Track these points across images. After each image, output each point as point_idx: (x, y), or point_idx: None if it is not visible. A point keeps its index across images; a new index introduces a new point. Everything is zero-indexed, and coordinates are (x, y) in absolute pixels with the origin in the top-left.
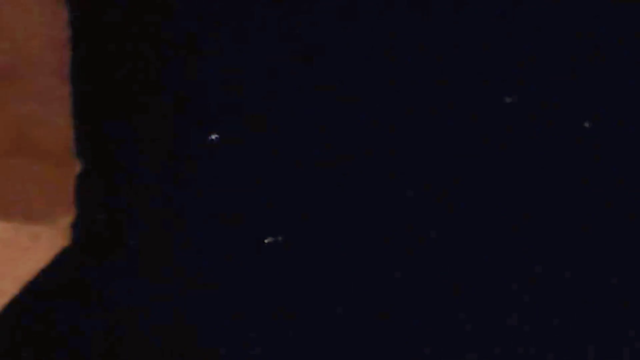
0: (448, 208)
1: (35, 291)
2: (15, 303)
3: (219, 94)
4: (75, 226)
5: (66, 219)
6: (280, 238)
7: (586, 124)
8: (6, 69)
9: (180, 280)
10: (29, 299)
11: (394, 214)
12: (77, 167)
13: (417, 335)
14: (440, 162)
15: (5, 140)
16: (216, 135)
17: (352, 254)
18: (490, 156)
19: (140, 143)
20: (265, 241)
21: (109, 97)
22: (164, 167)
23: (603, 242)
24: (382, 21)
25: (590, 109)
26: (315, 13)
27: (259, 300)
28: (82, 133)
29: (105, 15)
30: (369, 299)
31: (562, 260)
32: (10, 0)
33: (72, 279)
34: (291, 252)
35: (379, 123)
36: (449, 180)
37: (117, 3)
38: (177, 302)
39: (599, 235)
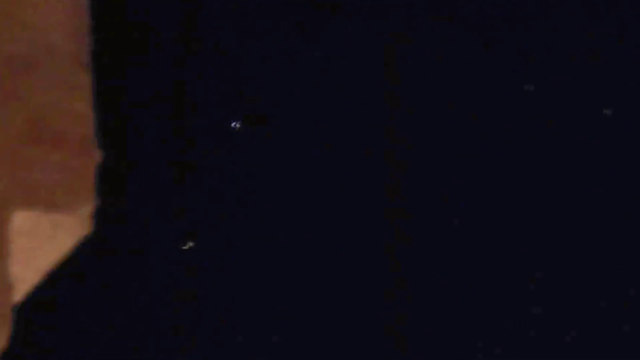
0: (468, 193)
1: (57, 279)
2: (37, 291)
3: (242, 81)
4: (96, 215)
5: (87, 208)
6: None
7: (606, 112)
8: (27, 58)
9: (201, 267)
10: (50, 287)
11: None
12: (98, 156)
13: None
14: (459, 149)
15: (26, 129)
16: (238, 123)
17: (360, 254)
18: (509, 146)
19: (161, 131)
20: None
21: (129, 85)
22: (184, 155)
23: (627, 229)
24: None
25: (610, 97)
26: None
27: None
28: (103, 122)
29: (125, 4)
30: (370, 298)
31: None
32: None
33: (92, 267)
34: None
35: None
36: (471, 168)
37: None
38: (198, 289)
39: (621, 223)
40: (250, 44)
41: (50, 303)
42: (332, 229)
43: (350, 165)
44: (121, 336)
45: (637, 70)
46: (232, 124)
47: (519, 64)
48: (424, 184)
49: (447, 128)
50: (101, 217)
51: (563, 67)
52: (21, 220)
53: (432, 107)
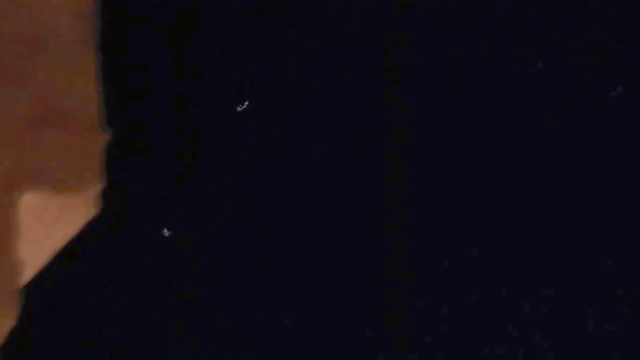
0: (470, 192)
1: (65, 260)
2: (45, 271)
3: (249, 63)
4: (104, 196)
5: (95, 189)
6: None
7: (613, 93)
8: (33, 40)
9: (212, 251)
10: (58, 267)
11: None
12: (105, 137)
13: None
14: (460, 147)
15: (33, 111)
16: (245, 105)
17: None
18: (510, 146)
19: (167, 112)
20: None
21: (136, 67)
22: (191, 136)
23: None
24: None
25: (618, 76)
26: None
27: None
28: (110, 103)
29: None
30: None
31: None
32: None
33: (101, 248)
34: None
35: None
36: (482, 149)
37: None
38: (207, 272)
39: (630, 210)
40: (252, 37)
41: (59, 284)
42: (333, 230)
43: (350, 164)
44: (130, 315)
45: None
46: (239, 106)
47: (520, 63)
48: (424, 182)
49: (447, 128)
50: (109, 197)
51: (573, 43)
52: (29, 201)
53: (432, 107)
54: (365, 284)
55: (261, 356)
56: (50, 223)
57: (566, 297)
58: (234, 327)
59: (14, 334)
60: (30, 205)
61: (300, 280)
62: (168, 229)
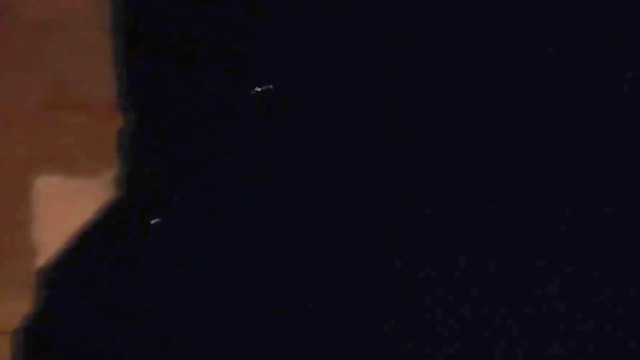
0: (471, 191)
1: (79, 243)
2: (60, 256)
3: (266, 45)
4: (119, 180)
5: (109, 173)
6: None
7: (629, 74)
8: (47, 22)
9: (226, 234)
10: (73, 252)
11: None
12: (120, 121)
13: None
14: (461, 146)
15: (47, 93)
16: (260, 88)
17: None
18: (511, 146)
19: (183, 95)
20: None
21: (151, 49)
22: (207, 120)
23: None
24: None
25: (634, 59)
26: None
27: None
28: (125, 87)
29: None
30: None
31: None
32: None
33: (115, 233)
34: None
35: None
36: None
37: None
38: (223, 255)
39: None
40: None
41: (73, 268)
42: (332, 229)
43: (349, 164)
44: (145, 299)
45: None
46: (253, 90)
47: (523, 64)
48: (424, 182)
49: (447, 127)
50: (123, 181)
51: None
52: (43, 185)
53: (432, 107)
54: (365, 284)
55: (261, 356)
56: (64, 207)
57: (568, 297)
58: (234, 327)
59: (28, 318)
60: (44, 189)
61: (300, 279)
62: (178, 216)
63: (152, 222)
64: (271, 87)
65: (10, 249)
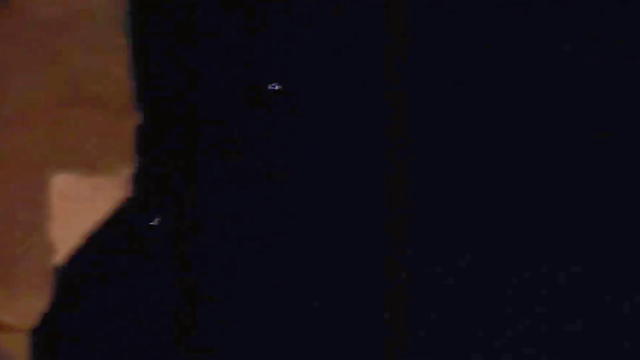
0: (472, 191)
1: (96, 242)
2: (77, 253)
3: (282, 43)
4: (135, 177)
5: (126, 170)
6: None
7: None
8: (63, 20)
9: (245, 230)
10: (89, 250)
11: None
12: (136, 119)
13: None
14: (462, 145)
15: (63, 91)
16: (277, 85)
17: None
18: (512, 145)
19: (200, 92)
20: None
21: (166, 47)
22: (223, 116)
23: None
24: None
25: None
26: None
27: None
28: (141, 84)
29: None
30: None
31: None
32: None
33: (132, 229)
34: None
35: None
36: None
37: None
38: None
39: None
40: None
41: (91, 265)
42: (332, 229)
43: (349, 164)
44: (163, 295)
45: None
46: (270, 86)
47: (521, 64)
48: (424, 182)
49: (447, 127)
50: (140, 179)
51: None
52: (60, 183)
53: (432, 107)
54: (365, 284)
55: (262, 356)
56: (81, 204)
57: (567, 298)
58: (233, 326)
59: (47, 314)
60: (61, 186)
61: (300, 279)
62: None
63: (152, 222)
64: (280, 86)
65: (27, 246)
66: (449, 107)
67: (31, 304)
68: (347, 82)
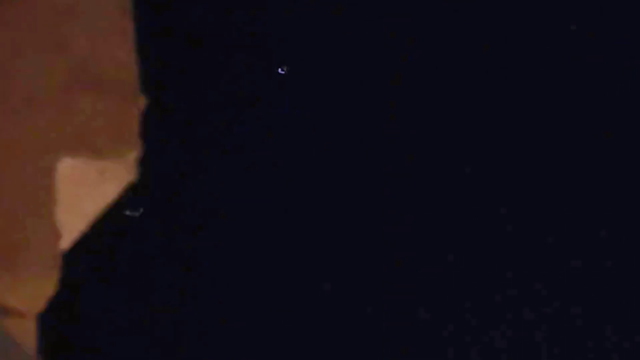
0: (473, 190)
1: (103, 226)
2: (83, 238)
3: (288, 28)
4: (142, 161)
5: (132, 154)
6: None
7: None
8: (68, 4)
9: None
10: (96, 235)
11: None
12: (142, 103)
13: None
14: (462, 145)
15: (70, 76)
16: (284, 69)
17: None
18: (512, 145)
19: (205, 77)
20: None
21: (172, 31)
22: (230, 101)
23: None
24: None
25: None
26: None
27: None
28: (146, 68)
29: None
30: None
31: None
32: None
33: (139, 214)
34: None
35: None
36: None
37: None
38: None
39: None
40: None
41: (98, 249)
42: (332, 229)
43: (349, 163)
44: (170, 281)
45: None
46: (280, 69)
47: (520, 64)
48: (424, 182)
49: (448, 127)
50: (146, 163)
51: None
52: (67, 167)
53: (432, 106)
54: (365, 284)
55: (262, 356)
56: (88, 189)
57: (567, 298)
58: (233, 326)
59: (54, 299)
60: (68, 171)
61: (300, 278)
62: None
63: (128, 213)
64: (285, 69)
65: (34, 231)
66: (449, 107)
67: (38, 289)
68: (347, 82)
